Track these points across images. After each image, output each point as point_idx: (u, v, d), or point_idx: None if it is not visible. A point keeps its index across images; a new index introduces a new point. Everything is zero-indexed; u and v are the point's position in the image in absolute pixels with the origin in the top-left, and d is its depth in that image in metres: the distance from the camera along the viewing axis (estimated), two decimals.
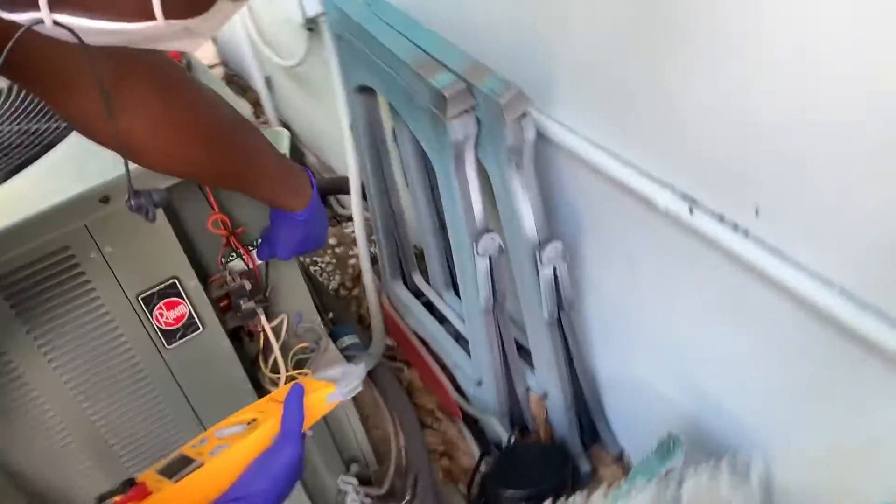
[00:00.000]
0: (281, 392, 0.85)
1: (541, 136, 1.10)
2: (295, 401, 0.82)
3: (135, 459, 0.99)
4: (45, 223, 0.80)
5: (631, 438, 1.47)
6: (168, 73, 0.72)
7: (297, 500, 1.22)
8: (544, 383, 1.42)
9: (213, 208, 0.95)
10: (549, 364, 1.35)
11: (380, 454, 1.55)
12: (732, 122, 0.83)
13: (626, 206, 1.06)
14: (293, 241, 0.97)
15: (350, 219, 2.15)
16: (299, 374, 1.03)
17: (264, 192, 0.88)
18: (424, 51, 1.15)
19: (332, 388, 0.86)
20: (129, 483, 0.72)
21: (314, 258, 2.11)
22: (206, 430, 0.92)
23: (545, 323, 1.26)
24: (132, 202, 0.69)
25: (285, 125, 2.73)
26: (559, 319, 1.28)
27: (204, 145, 0.76)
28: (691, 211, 0.93)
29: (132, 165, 0.75)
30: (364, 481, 1.39)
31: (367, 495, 1.36)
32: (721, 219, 0.91)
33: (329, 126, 2.18)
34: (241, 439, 0.78)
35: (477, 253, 1.23)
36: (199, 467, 0.75)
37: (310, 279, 1.67)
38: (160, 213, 0.88)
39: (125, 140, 0.72)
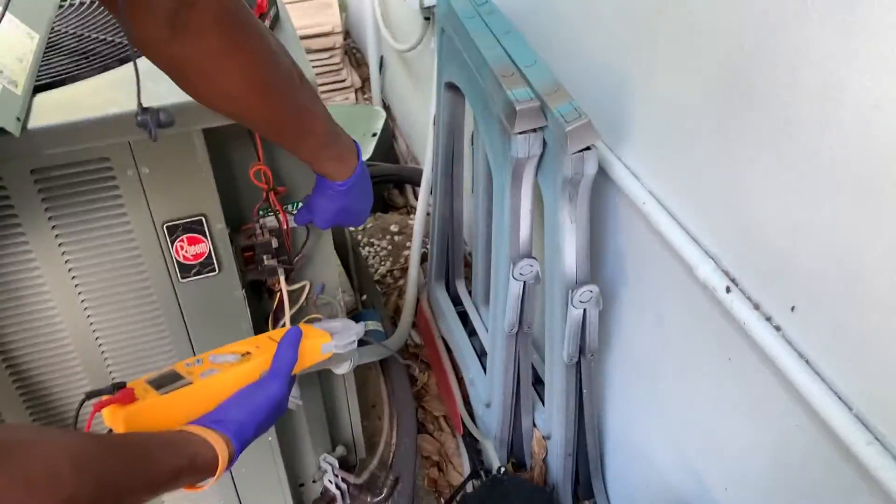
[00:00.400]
0: (280, 332, 0.87)
1: (603, 174, 1.07)
2: (291, 342, 0.84)
3: (122, 374, 1.01)
4: (91, 130, 0.82)
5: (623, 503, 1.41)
6: (235, 11, 0.72)
7: (273, 466, 1.22)
8: (550, 423, 1.38)
9: (258, 158, 0.96)
10: (558, 406, 1.31)
11: (371, 445, 1.54)
12: (789, 220, 0.78)
13: (669, 266, 1.02)
14: (331, 210, 0.96)
15: None
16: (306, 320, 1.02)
17: (308, 153, 0.88)
18: (512, 60, 1.13)
19: (329, 338, 0.88)
20: (119, 386, 0.75)
21: (372, 240, 2.12)
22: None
23: (563, 364, 1.22)
24: (138, 117, 0.71)
25: (386, 107, 2.76)
26: (578, 364, 1.24)
27: (256, 89, 0.77)
28: (728, 290, 0.88)
29: (183, 96, 0.77)
30: (345, 466, 1.38)
31: (343, 480, 1.35)
32: (756, 306, 0.86)
33: (422, 117, 2.19)
34: (231, 368, 0.81)
35: (513, 276, 1.20)
36: (186, 385, 0.78)
37: (356, 258, 1.68)
38: (202, 148, 0.89)
39: (181, 67, 0.74)
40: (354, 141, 0.92)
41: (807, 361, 0.79)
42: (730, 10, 0.79)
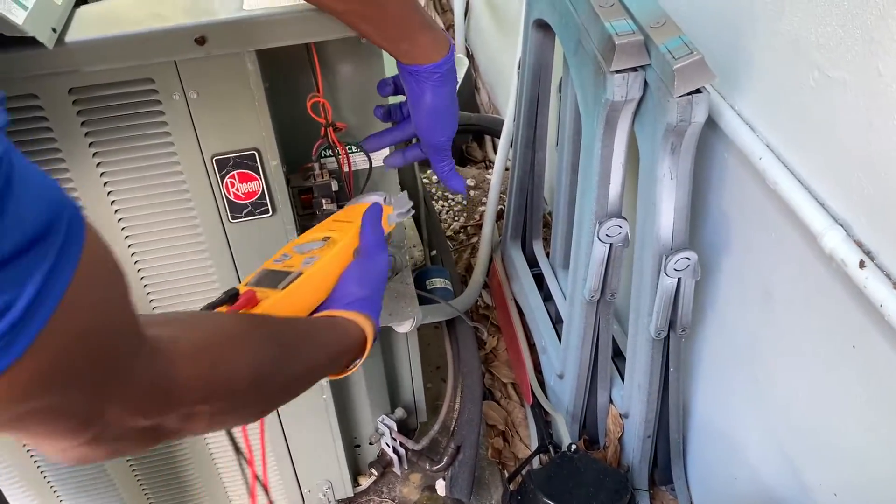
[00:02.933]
0: (346, 213, 0.85)
1: (710, 123, 0.92)
2: (376, 216, 0.84)
3: (164, 310, 0.94)
4: (132, 47, 0.73)
5: (705, 495, 1.28)
6: None
7: (327, 425, 1.14)
8: (629, 401, 1.25)
9: (317, 89, 0.85)
10: (640, 384, 1.18)
11: (433, 409, 1.45)
12: None
13: (785, 233, 0.87)
14: (433, 102, 0.81)
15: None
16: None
17: (396, 31, 0.77)
18: None
19: (391, 209, 0.88)
20: (233, 293, 0.70)
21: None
22: None
23: (649, 338, 1.09)
24: None
25: (469, 55, 2.63)
26: (666, 339, 1.10)
27: None
28: (862, 264, 0.73)
29: None
30: (404, 430, 1.30)
31: (402, 444, 1.26)
32: None
33: (506, 65, 2.06)
34: (327, 251, 0.78)
35: (598, 237, 1.07)
36: (299, 276, 0.74)
37: (428, 211, 1.57)
38: (256, 73, 0.79)
39: None
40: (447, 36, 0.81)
41: None
42: None
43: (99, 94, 0.77)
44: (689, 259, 0.99)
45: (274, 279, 0.74)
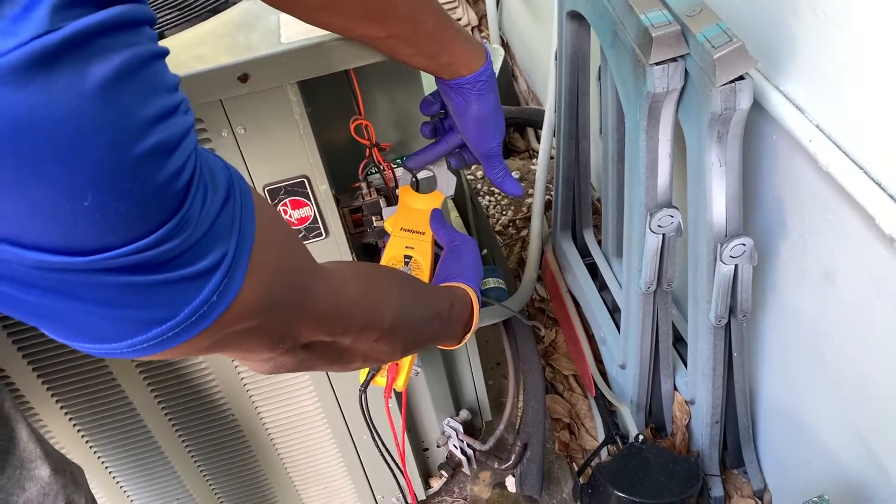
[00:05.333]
0: (407, 217, 0.91)
1: (757, 107, 0.90)
2: (441, 220, 0.91)
3: None
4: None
5: (779, 478, 1.27)
6: None
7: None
8: (694, 388, 1.25)
9: (359, 112, 0.87)
10: (704, 370, 1.17)
11: (497, 406, 1.46)
12: None
13: (844, 216, 0.85)
14: (480, 111, 0.82)
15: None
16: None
17: (436, 47, 0.77)
18: None
19: (441, 194, 0.93)
20: None
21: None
22: None
23: (710, 326, 1.08)
24: None
25: (504, 44, 2.61)
26: (728, 325, 1.09)
27: None
28: None
29: None
30: (470, 430, 1.32)
31: (469, 445, 1.28)
32: None
33: (543, 53, 2.04)
34: (420, 277, 0.87)
35: (650, 228, 1.06)
36: None
37: (475, 209, 1.58)
38: (299, 104, 0.81)
39: None
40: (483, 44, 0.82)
41: None
42: None
43: None
44: (744, 245, 0.98)
45: None
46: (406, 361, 0.87)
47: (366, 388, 0.89)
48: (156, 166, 0.36)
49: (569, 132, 1.47)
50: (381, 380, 0.87)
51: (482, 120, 0.84)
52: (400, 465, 1.04)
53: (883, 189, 0.76)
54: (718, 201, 0.97)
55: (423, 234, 0.89)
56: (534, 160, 2.16)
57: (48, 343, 0.92)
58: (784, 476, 1.25)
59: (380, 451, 0.99)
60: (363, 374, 0.88)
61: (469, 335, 0.81)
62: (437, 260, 0.90)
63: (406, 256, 0.88)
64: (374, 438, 0.89)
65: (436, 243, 0.91)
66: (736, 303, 1.05)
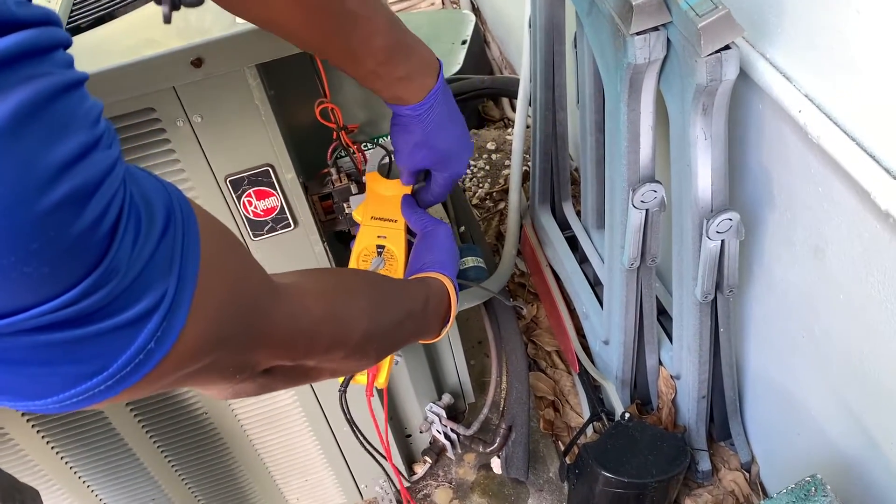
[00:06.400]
0: (376, 205, 0.85)
1: (743, 76, 0.86)
2: (412, 206, 0.86)
3: None
4: (128, 78, 0.70)
5: (766, 449, 1.25)
6: None
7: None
8: (680, 363, 1.22)
9: (324, 95, 0.81)
10: (690, 346, 1.14)
11: (480, 385, 1.43)
12: None
13: (835, 190, 0.82)
14: (407, 146, 0.78)
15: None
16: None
17: (368, 74, 0.71)
18: None
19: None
20: None
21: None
22: None
23: (696, 302, 1.05)
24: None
25: (475, 10, 2.54)
26: (714, 301, 1.07)
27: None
28: None
29: None
30: (454, 413, 1.29)
31: (453, 430, 1.25)
32: None
33: (516, 20, 1.98)
34: (395, 265, 0.82)
35: (632, 204, 1.03)
36: None
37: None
38: (259, 88, 0.75)
39: None
40: (438, 60, 0.76)
41: None
42: None
43: None
44: (731, 220, 0.95)
45: None
46: (386, 359, 0.83)
47: (345, 389, 0.85)
48: (69, 218, 0.31)
49: (545, 102, 1.43)
50: (361, 378, 0.83)
51: (415, 150, 0.79)
52: (385, 456, 1.01)
53: (878, 163, 0.73)
54: (704, 175, 0.93)
55: (395, 221, 0.85)
56: (509, 129, 2.11)
57: None
58: (772, 448, 1.23)
59: (363, 446, 0.95)
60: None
61: (448, 327, 0.77)
62: (412, 247, 0.85)
63: (378, 247, 0.83)
64: (356, 435, 0.86)
65: (409, 230, 0.86)
66: (722, 278, 1.02)
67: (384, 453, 1.01)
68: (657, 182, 1.02)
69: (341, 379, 0.84)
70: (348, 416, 0.87)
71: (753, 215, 1.01)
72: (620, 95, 0.96)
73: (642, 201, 1.03)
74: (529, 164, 1.84)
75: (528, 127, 1.61)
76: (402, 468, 1.24)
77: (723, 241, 0.97)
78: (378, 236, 0.83)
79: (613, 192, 1.10)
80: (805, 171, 0.87)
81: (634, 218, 1.05)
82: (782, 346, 1.08)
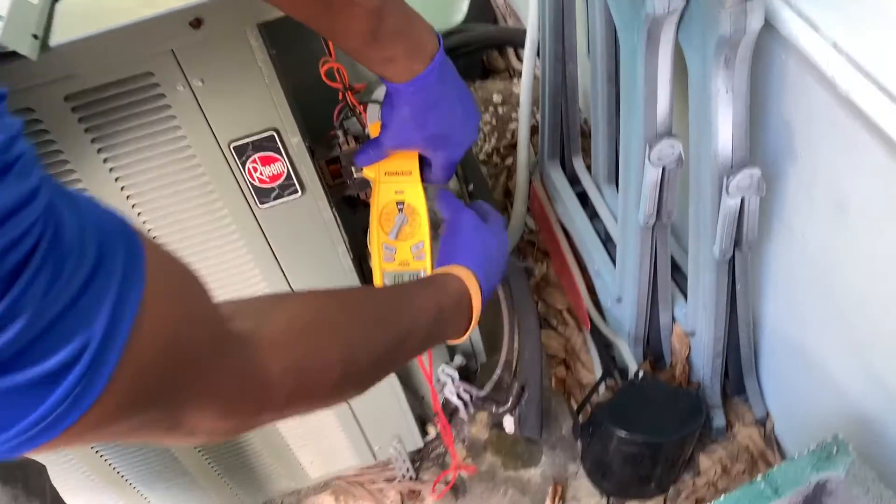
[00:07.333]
0: (390, 163, 0.79)
1: (766, 26, 0.82)
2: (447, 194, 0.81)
3: None
4: (125, 41, 0.66)
5: (782, 405, 1.25)
6: None
7: (390, 389, 1.12)
8: (695, 320, 1.21)
9: (329, 54, 0.78)
10: (706, 304, 1.13)
11: (491, 344, 1.42)
12: None
13: (862, 144, 0.79)
14: (393, 121, 0.71)
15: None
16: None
17: (351, 51, 0.66)
18: None
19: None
20: None
21: None
22: (290, 285, 0.92)
23: (713, 261, 1.03)
24: None
25: None
26: (731, 258, 1.04)
27: None
28: None
29: None
30: (466, 374, 1.28)
31: (466, 391, 1.24)
32: None
33: None
34: (419, 224, 0.79)
35: (649, 160, 1.00)
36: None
37: None
38: (261, 49, 0.72)
39: None
40: (438, 39, 0.70)
41: None
42: None
43: (97, 98, 0.70)
44: (751, 176, 0.92)
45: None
46: None
47: None
48: None
49: (554, 53, 1.38)
50: None
51: (405, 130, 0.73)
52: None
53: None
54: (724, 130, 0.90)
55: (410, 173, 0.80)
56: (514, 80, 2.06)
57: None
58: (787, 403, 1.22)
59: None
60: None
61: (474, 324, 0.70)
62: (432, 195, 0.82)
63: (398, 203, 0.80)
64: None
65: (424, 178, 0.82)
66: (741, 235, 0.99)
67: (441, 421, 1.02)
68: (674, 137, 0.99)
69: None
70: None
71: (773, 169, 0.98)
72: (637, 48, 0.92)
73: (659, 157, 0.99)
74: (537, 117, 1.80)
75: (536, 78, 1.56)
76: (416, 429, 1.24)
77: (743, 197, 0.94)
78: (396, 192, 0.80)
79: (629, 147, 1.07)
80: (830, 124, 0.84)
81: (651, 174, 1.02)
82: (801, 304, 1.06)
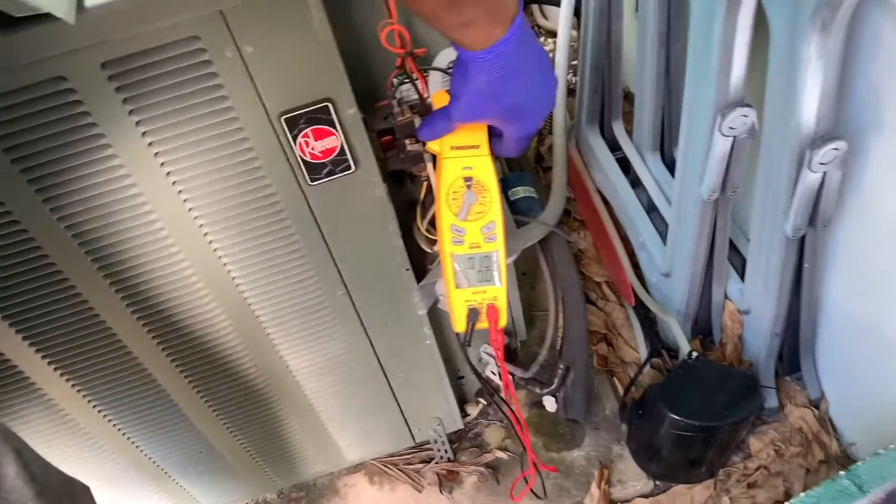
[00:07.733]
0: (456, 137, 0.73)
1: None
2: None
3: (253, 294, 0.84)
4: (167, 1, 0.59)
5: (839, 387, 1.19)
6: None
7: (430, 363, 1.06)
8: (752, 299, 1.15)
9: (390, 15, 0.70)
10: (769, 284, 1.06)
11: (529, 320, 1.36)
12: None
13: None
14: (465, 93, 0.64)
15: (554, 34, 1.83)
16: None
17: (427, 16, 0.58)
18: None
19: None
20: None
21: None
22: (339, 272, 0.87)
23: (783, 238, 0.97)
24: None
25: None
26: (802, 237, 0.98)
27: None
28: None
29: None
30: (507, 352, 1.22)
31: (510, 373, 1.19)
32: None
33: None
34: (491, 201, 0.76)
35: (720, 130, 0.92)
36: (499, 257, 0.78)
37: None
38: (319, 9, 0.64)
39: None
40: (519, 1, 0.62)
41: None
42: None
43: (137, 65, 0.63)
44: (837, 150, 0.85)
45: (481, 273, 0.79)
46: (503, 299, 0.82)
47: (469, 338, 0.86)
48: None
49: (599, 13, 1.30)
50: (483, 324, 0.84)
51: (482, 102, 0.66)
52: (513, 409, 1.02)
53: None
54: (810, 99, 0.83)
55: (479, 147, 0.74)
56: (544, 40, 1.97)
57: (44, 318, 0.79)
58: (845, 384, 1.17)
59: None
60: (460, 323, 0.84)
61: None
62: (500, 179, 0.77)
63: (466, 179, 0.74)
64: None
65: (496, 157, 0.75)
66: (817, 212, 0.93)
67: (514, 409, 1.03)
68: (748, 106, 0.91)
69: (462, 328, 0.84)
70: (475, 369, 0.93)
71: (855, 139, 0.91)
72: (716, 9, 0.84)
73: (731, 127, 0.92)
74: (571, 79, 1.72)
75: (573, 42, 1.48)
76: (456, 409, 1.18)
77: (825, 173, 0.87)
78: (463, 167, 0.73)
79: (693, 116, 0.99)
80: None
81: (720, 145, 0.95)
82: (876, 283, 0.99)
